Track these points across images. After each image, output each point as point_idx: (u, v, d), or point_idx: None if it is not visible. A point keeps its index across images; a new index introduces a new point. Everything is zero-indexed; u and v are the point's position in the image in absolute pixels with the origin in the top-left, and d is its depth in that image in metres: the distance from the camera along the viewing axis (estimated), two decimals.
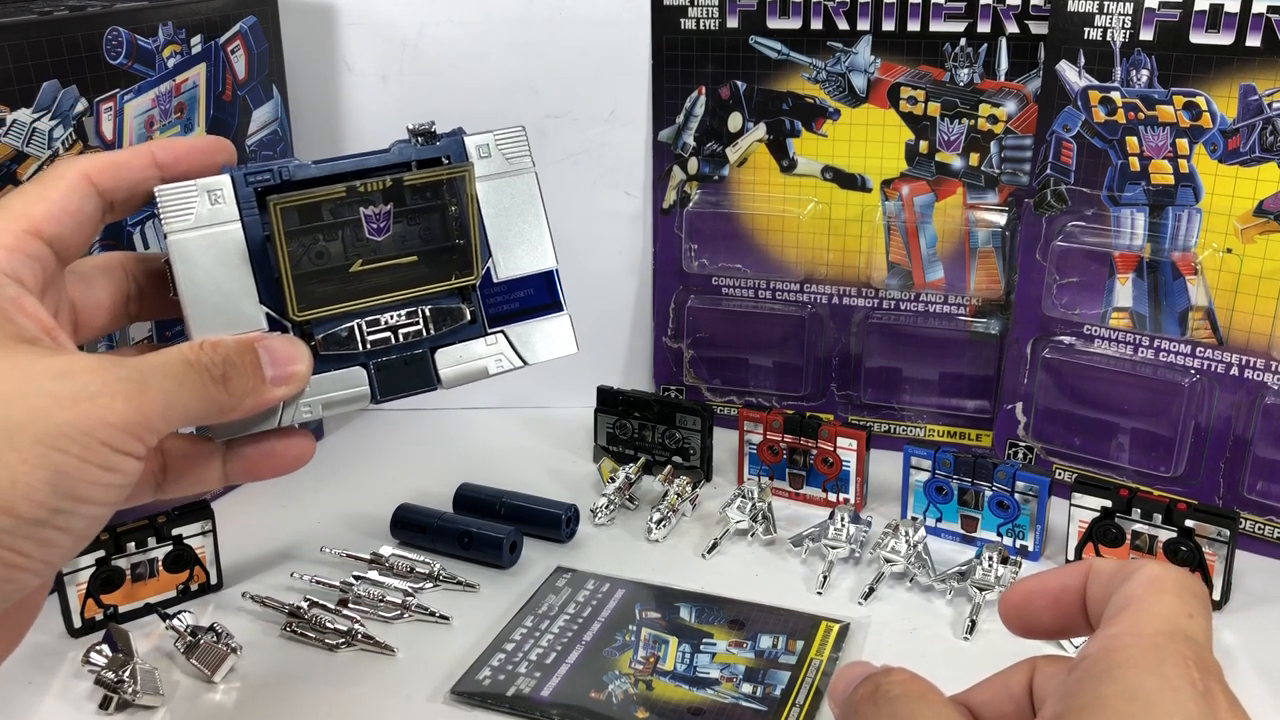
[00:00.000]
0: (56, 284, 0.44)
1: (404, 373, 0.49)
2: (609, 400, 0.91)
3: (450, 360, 0.49)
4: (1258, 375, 0.78)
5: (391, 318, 0.48)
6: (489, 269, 0.50)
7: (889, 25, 0.87)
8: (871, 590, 0.74)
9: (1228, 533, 0.70)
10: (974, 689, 0.39)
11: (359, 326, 0.47)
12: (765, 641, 0.69)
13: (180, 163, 0.46)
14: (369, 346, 0.48)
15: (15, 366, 0.37)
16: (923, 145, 0.89)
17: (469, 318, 0.49)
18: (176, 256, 0.45)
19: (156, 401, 0.39)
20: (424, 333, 0.48)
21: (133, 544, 0.71)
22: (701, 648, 0.69)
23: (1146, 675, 0.31)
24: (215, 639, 0.67)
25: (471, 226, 0.48)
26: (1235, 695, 0.32)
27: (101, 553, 0.70)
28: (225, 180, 0.46)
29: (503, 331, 0.50)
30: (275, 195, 0.45)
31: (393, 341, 0.48)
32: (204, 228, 0.45)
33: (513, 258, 0.50)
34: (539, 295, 0.51)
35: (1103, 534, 0.74)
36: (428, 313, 0.48)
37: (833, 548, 0.77)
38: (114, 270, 0.48)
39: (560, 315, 0.51)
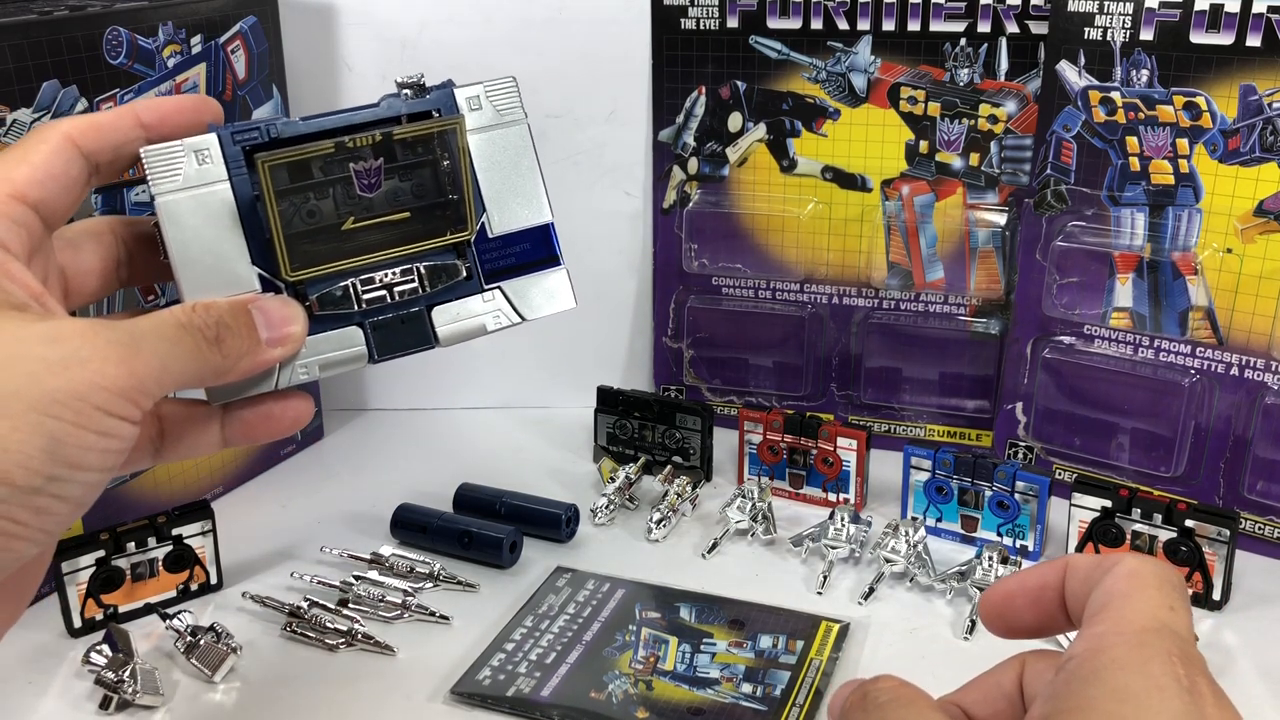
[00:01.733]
0: (44, 250, 0.43)
1: (401, 331, 0.48)
2: (609, 400, 0.91)
3: (447, 318, 0.48)
4: (1258, 375, 0.78)
5: (386, 276, 0.47)
6: (483, 224, 0.49)
7: (889, 25, 0.87)
8: (871, 590, 0.74)
9: (1228, 533, 0.70)
10: (965, 688, 0.39)
11: (353, 285, 0.46)
12: (765, 641, 0.69)
13: (165, 122, 0.45)
14: (364, 305, 0.47)
15: (4, 333, 0.37)
16: (923, 145, 0.89)
17: (464, 274, 0.48)
18: (165, 218, 0.44)
19: (150, 364, 0.39)
20: (419, 290, 0.48)
21: (133, 544, 0.71)
22: (701, 648, 0.69)
23: (1133, 675, 0.31)
24: (215, 639, 0.67)
25: (464, 181, 0.47)
26: (1220, 687, 0.32)
27: (101, 553, 0.70)
28: (212, 139, 0.45)
29: (499, 287, 0.49)
30: (264, 153, 0.44)
31: (388, 300, 0.47)
32: (192, 188, 0.44)
33: (507, 212, 0.49)
34: (535, 250, 0.50)
35: (1103, 534, 0.74)
36: (423, 270, 0.47)
37: (833, 548, 0.77)
38: (103, 235, 0.47)
39: (558, 269, 0.50)
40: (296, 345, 0.45)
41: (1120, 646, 0.32)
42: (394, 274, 0.47)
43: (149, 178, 0.44)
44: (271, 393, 0.46)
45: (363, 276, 0.47)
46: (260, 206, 0.44)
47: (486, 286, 0.49)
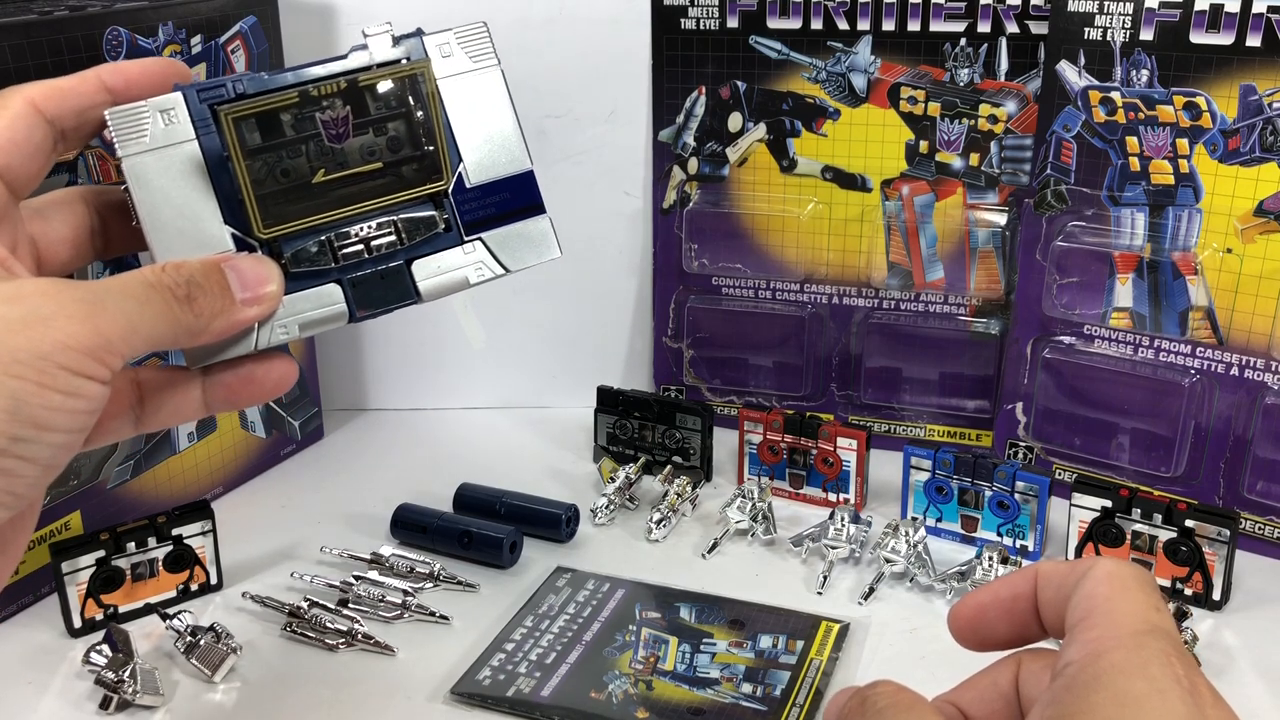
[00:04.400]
0: (10, 218, 0.43)
1: (381, 287, 0.47)
2: (609, 400, 0.91)
3: (428, 272, 0.47)
4: (1258, 375, 0.78)
5: (362, 230, 0.46)
6: (460, 174, 0.48)
7: (889, 25, 0.87)
8: (871, 590, 0.74)
9: (1228, 533, 0.70)
10: (961, 687, 0.39)
11: (329, 241, 0.46)
12: (765, 641, 0.69)
13: (131, 86, 0.44)
14: (341, 261, 0.46)
15: None
16: (923, 145, 0.89)
17: (443, 226, 0.47)
18: (133, 180, 0.43)
19: (116, 323, 0.38)
20: (398, 244, 0.47)
21: (133, 544, 0.71)
22: (701, 648, 0.69)
23: (1134, 679, 0.31)
24: (215, 639, 0.67)
25: (436, 128, 0.46)
26: (1214, 687, 0.32)
27: (101, 553, 0.70)
28: (177, 98, 0.44)
29: (480, 239, 0.48)
30: (226, 106, 0.43)
31: (365, 255, 0.46)
32: (159, 148, 0.44)
33: (484, 161, 0.48)
34: (516, 198, 0.48)
35: (1103, 534, 0.74)
36: (399, 223, 0.47)
37: (833, 548, 0.77)
38: (73, 204, 0.46)
39: (540, 217, 0.49)
40: (273, 304, 0.45)
41: (1118, 650, 0.32)
42: (370, 228, 0.46)
43: (114, 139, 0.43)
44: (252, 355, 0.46)
45: (338, 231, 0.46)
46: (230, 164, 0.44)
47: (467, 238, 0.48)
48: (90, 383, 0.37)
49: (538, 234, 0.49)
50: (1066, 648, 0.34)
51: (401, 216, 0.47)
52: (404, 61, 0.47)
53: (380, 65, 0.46)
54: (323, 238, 0.46)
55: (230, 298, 0.43)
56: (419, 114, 0.46)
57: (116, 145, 0.43)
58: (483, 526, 0.78)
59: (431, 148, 0.47)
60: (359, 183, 0.46)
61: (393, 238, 0.47)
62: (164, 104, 0.44)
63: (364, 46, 0.47)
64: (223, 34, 0.82)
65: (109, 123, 0.43)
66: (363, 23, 0.93)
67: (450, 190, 0.47)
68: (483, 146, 0.48)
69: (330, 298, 0.46)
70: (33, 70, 0.68)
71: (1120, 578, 0.35)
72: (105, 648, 0.65)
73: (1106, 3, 0.79)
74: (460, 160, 0.48)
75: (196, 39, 0.79)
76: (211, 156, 0.44)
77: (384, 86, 0.46)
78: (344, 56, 0.47)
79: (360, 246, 0.46)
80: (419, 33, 0.48)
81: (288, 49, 0.89)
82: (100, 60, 0.72)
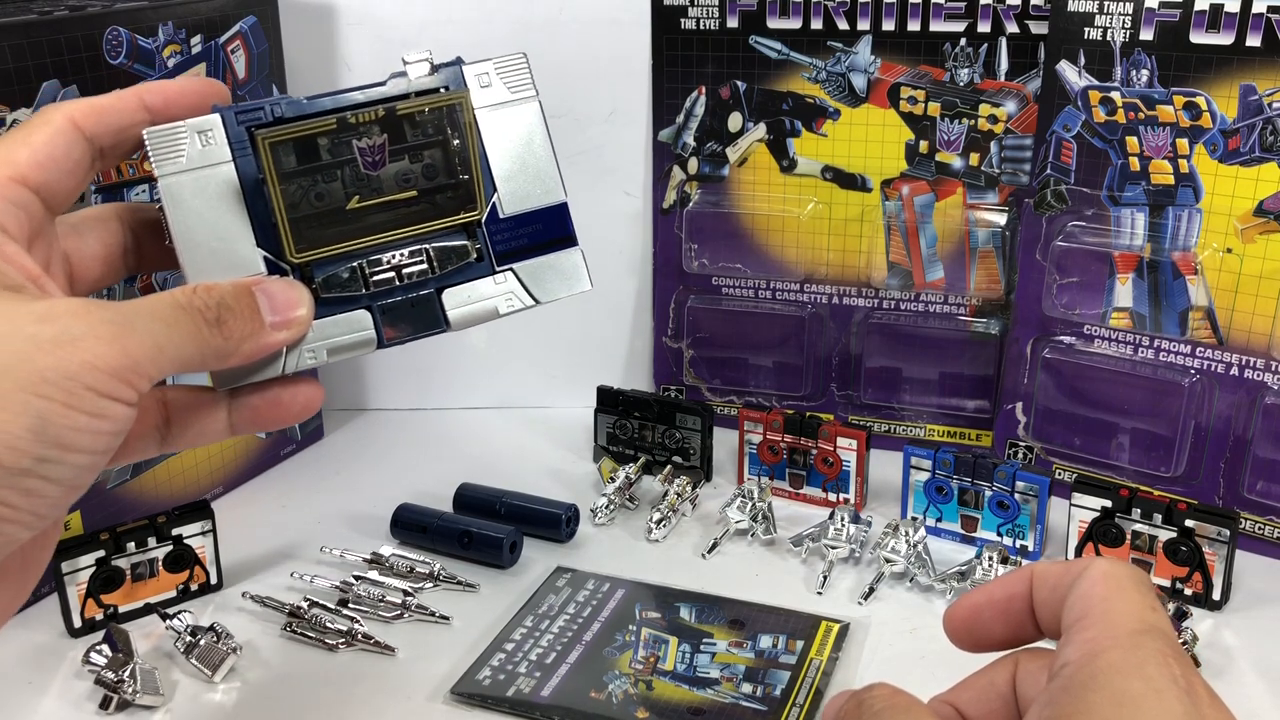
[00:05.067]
0: (46, 234, 0.42)
1: (410, 315, 0.47)
2: (609, 400, 0.91)
3: (458, 301, 0.47)
4: (1258, 375, 0.78)
5: (394, 257, 0.46)
6: (494, 204, 0.48)
7: (889, 25, 0.87)
8: (871, 590, 0.74)
9: (1228, 533, 0.70)
10: (958, 687, 0.39)
11: (361, 267, 0.46)
12: (765, 641, 0.69)
13: (170, 106, 0.44)
14: (372, 288, 0.46)
15: None
16: (923, 145, 0.89)
17: (475, 255, 0.47)
18: (168, 200, 0.43)
19: (144, 344, 0.38)
20: (429, 272, 0.46)
21: (133, 544, 0.71)
22: (701, 648, 0.69)
23: (1132, 680, 0.31)
24: (215, 639, 0.67)
25: (472, 158, 0.46)
26: (1212, 687, 0.32)
27: (101, 553, 0.70)
28: (215, 119, 0.44)
29: (511, 269, 0.48)
30: (265, 130, 0.43)
31: (397, 282, 0.46)
32: (195, 169, 0.44)
33: (519, 192, 0.48)
34: (549, 230, 0.48)
35: (1103, 534, 0.74)
36: (431, 251, 0.46)
37: (833, 548, 0.77)
38: (108, 221, 0.46)
39: (572, 250, 0.49)
40: (302, 328, 0.45)
41: (1115, 650, 0.32)
42: (402, 255, 0.46)
43: (152, 158, 0.43)
44: (279, 378, 0.45)
45: (370, 258, 0.46)
46: (264, 186, 0.44)
47: (498, 268, 0.48)
48: (116, 404, 0.37)
49: (569, 266, 0.49)
50: (1063, 648, 0.34)
51: (434, 245, 0.47)
52: (443, 91, 0.47)
53: (419, 94, 0.46)
54: (355, 264, 0.46)
55: (260, 321, 0.43)
56: (455, 143, 0.46)
57: (154, 165, 0.43)
58: (483, 526, 0.78)
59: (466, 177, 0.46)
60: (393, 210, 0.46)
61: (424, 266, 0.47)
62: (202, 125, 0.44)
63: (403, 73, 0.47)
64: (223, 34, 0.82)
65: (147, 142, 0.43)
66: (363, 23, 0.94)
67: (483, 220, 0.47)
68: (517, 177, 0.48)
69: (360, 324, 0.46)
70: (33, 70, 0.68)
71: (1116, 577, 0.35)
72: (105, 648, 0.65)
73: (1106, 3, 0.79)
74: (494, 190, 0.48)
75: (196, 39, 0.79)
76: (247, 179, 0.44)
77: (422, 115, 0.46)
78: (383, 83, 0.46)
79: (391, 274, 0.46)
80: (458, 61, 0.47)
81: (288, 49, 0.89)
82: (100, 60, 0.72)
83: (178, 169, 0.44)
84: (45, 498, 0.36)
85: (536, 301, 0.48)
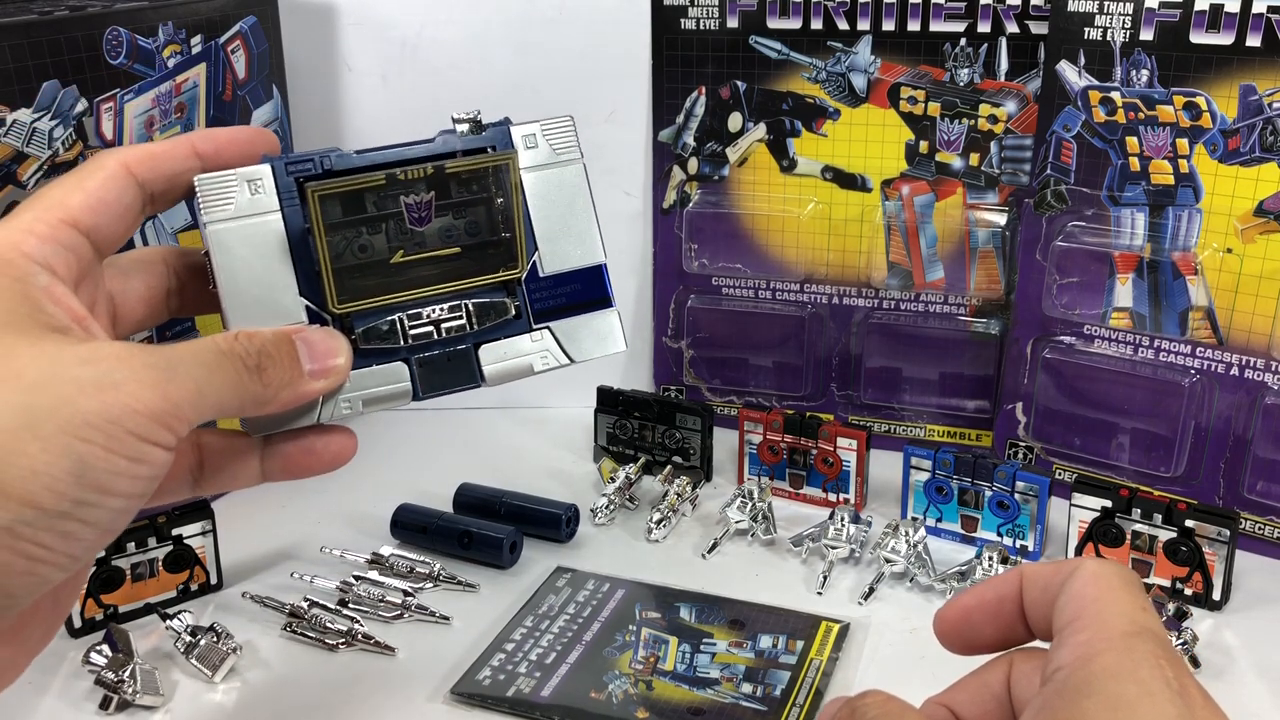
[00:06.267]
0: (93, 276, 0.43)
1: (447, 369, 0.47)
2: (609, 400, 0.91)
3: (494, 357, 0.48)
4: (1258, 375, 0.78)
5: (434, 311, 0.47)
6: (535, 263, 0.48)
7: (889, 25, 0.87)
8: (871, 590, 0.74)
9: (1228, 533, 0.70)
10: (953, 688, 0.39)
11: (400, 320, 0.46)
12: (765, 641, 0.69)
13: (221, 153, 0.45)
14: (410, 341, 0.46)
15: (42, 354, 0.36)
16: (923, 145, 0.89)
17: (513, 313, 0.48)
18: (215, 247, 0.44)
19: (186, 389, 0.38)
20: (467, 328, 0.47)
21: (133, 544, 0.71)
22: (701, 648, 0.69)
23: (1125, 683, 0.31)
24: (215, 639, 0.67)
25: (516, 218, 0.47)
26: (1202, 685, 0.32)
27: (101, 552, 0.70)
28: (265, 170, 0.45)
29: (548, 327, 0.49)
30: (314, 183, 0.44)
31: (435, 336, 0.47)
32: (244, 218, 0.44)
33: (559, 251, 0.49)
34: (587, 290, 0.49)
35: (1103, 534, 0.74)
36: (471, 307, 0.47)
37: (833, 548, 0.77)
38: (154, 264, 0.47)
39: (609, 311, 0.50)
40: (340, 378, 0.45)
41: (1108, 653, 0.32)
42: (442, 310, 0.47)
43: (201, 206, 0.44)
44: (314, 427, 0.46)
45: (410, 311, 0.46)
46: (310, 238, 0.44)
47: (535, 326, 0.49)
48: (156, 448, 0.37)
49: (605, 327, 0.50)
50: (1056, 650, 0.34)
51: (473, 301, 0.47)
52: (490, 151, 0.47)
53: (466, 153, 0.47)
54: (395, 317, 0.46)
55: (299, 369, 0.43)
56: (500, 201, 0.47)
57: (202, 212, 0.44)
58: (483, 526, 0.78)
59: (509, 235, 0.47)
60: (435, 265, 0.46)
61: (463, 321, 0.47)
62: (251, 175, 0.44)
63: (451, 131, 0.47)
64: (223, 34, 0.82)
65: (198, 190, 0.44)
66: (363, 23, 0.94)
67: (523, 278, 0.48)
68: (559, 237, 0.49)
69: (396, 376, 0.47)
70: (33, 70, 0.68)
71: (1107, 578, 0.35)
72: (105, 648, 0.65)
73: (1106, 3, 0.79)
74: (535, 249, 0.48)
75: (196, 39, 0.79)
76: (293, 229, 0.45)
77: (469, 174, 0.46)
78: (430, 140, 0.47)
79: (430, 328, 0.47)
80: (506, 122, 0.48)
81: (288, 49, 0.89)
82: (100, 61, 0.72)
83: (226, 216, 0.44)
84: (81, 540, 0.36)
85: (571, 360, 0.49)
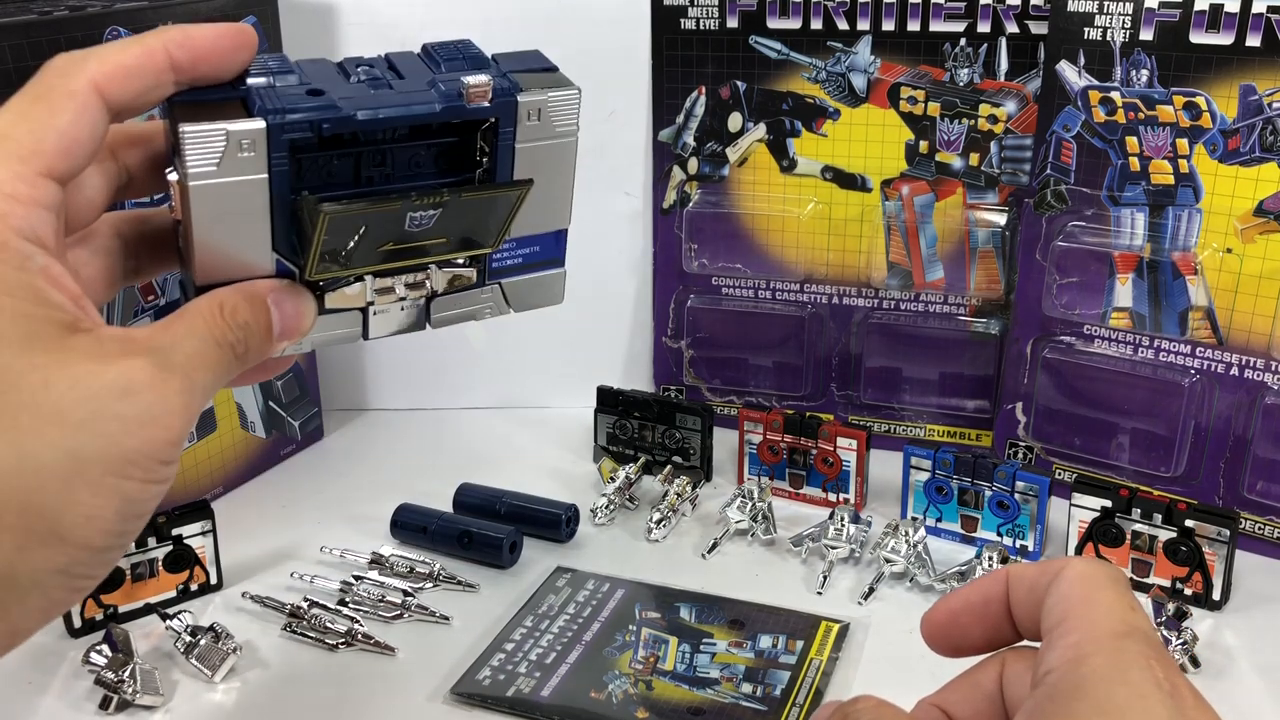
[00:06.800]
0: (61, 230, 0.39)
1: (398, 318, 0.48)
2: (609, 400, 0.91)
3: (442, 307, 0.48)
4: (1258, 375, 0.78)
5: (401, 279, 0.47)
6: None
7: (889, 25, 0.87)
8: (871, 590, 0.74)
9: (1228, 533, 0.70)
10: (946, 688, 0.39)
11: (366, 284, 0.46)
12: (765, 641, 0.69)
13: (200, 63, 0.40)
14: (373, 301, 0.47)
15: (77, 381, 0.35)
16: (923, 145, 0.89)
17: (476, 280, 0.48)
18: (196, 202, 0.42)
19: (201, 400, 0.39)
20: (431, 293, 0.48)
21: (132, 544, 0.71)
22: (701, 648, 0.69)
23: (1116, 686, 0.31)
24: (215, 639, 0.67)
25: (507, 220, 0.47)
26: (1203, 687, 0.32)
27: None
28: (259, 130, 0.42)
29: (499, 284, 0.49)
30: (329, 204, 0.42)
31: (397, 296, 0.47)
32: (230, 177, 0.42)
33: (530, 217, 0.48)
34: (544, 251, 0.49)
35: (1103, 534, 0.74)
36: (436, 276, 0.47)
37: (833, 548, 0.77)
38: (108, 237, 0.45)
39: (558, 270, 0.50)
40: (302, 336, 0.45)
41: (1098, 655, 0.32)
42: (409, 278, 0.47)
43: (187, 159, 0.41)
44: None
45: (379, 281, 0.46)
46: (302, 238, 0.43)
47: (488, 283, 0.49)
48: (173, 466, 0.38)
49: (549, 281, 0.50)
50: (1046, 652, 0.34)
51: (441, 271, 0.47)
52: (510, 184, 0.47)
53: (466, 125, 0.46)
54: (361, 283, 0.46)
55: (270, 335, 0.43)
56: (498, 212, 0.47)
57: (188, 165, 0.41)
58: (482, 526, 0.78)
59: (498, 234, 0.47)
60: (420, 254, 0.46)
61: (427, 290, 0.47)
62: (243, 134, 0.42)
63: (454, 80, 0.45)
64: None
65: (185, 142, 0.41)
66: (363, 23, 0.94)
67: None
68: (534, 205, 0.48)
69: (349, 322, 0.47)
70: (32, 71, 0.68)
71: (1094, 578, 0.35)
72: (105, 648, 0.65)
73: (1106, 3, 0.79)
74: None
75: None
76: (279, 191, 0.44)
77: (483, 197, 0.46)
78: (430, 103, 0.45)
79: (395, 291, 0.47)
80: (514, 90, 0.46)
81: (288, 49, 0.89)
82: None
83: (211, 173, 0.42)
84: (114, 564, 0.38)
85: (511, 310, 0.50)
